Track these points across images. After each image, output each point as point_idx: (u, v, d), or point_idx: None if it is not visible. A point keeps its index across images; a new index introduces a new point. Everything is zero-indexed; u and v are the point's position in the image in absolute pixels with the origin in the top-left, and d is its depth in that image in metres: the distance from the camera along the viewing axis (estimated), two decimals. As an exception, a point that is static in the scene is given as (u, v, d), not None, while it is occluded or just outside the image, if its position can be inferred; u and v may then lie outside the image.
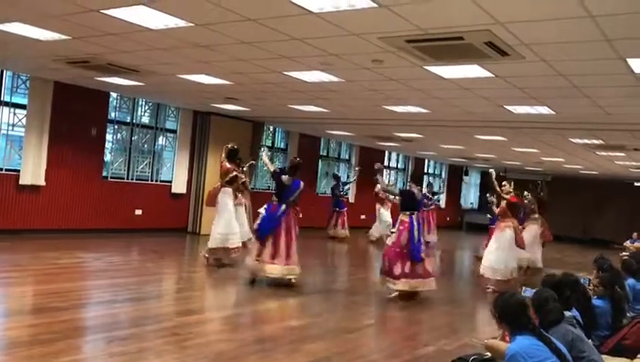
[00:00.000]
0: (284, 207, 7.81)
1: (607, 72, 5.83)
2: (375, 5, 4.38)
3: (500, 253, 9.09)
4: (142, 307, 6.24)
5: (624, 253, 12.73)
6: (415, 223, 7.67)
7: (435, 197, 17.18)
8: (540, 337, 2.99)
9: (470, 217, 24.67)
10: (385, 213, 15.22)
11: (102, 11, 5.31)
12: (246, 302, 7.22)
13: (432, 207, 16.03)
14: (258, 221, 7.97)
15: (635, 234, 17.37)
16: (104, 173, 11.79)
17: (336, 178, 15.94)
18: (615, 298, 4.72)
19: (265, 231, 7.76)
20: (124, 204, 11.93)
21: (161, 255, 9.84)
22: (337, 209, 15.34)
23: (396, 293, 7.75)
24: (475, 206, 26.40)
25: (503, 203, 9.39)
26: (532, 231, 11.06)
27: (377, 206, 15.38)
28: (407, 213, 7.78)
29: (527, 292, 4.22)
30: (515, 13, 4.32)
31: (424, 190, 9.61)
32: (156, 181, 12.82)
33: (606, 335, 4.49)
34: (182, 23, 5.47)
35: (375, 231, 15.34)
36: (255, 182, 14.93)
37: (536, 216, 11.36)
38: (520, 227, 10.05)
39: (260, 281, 7.91)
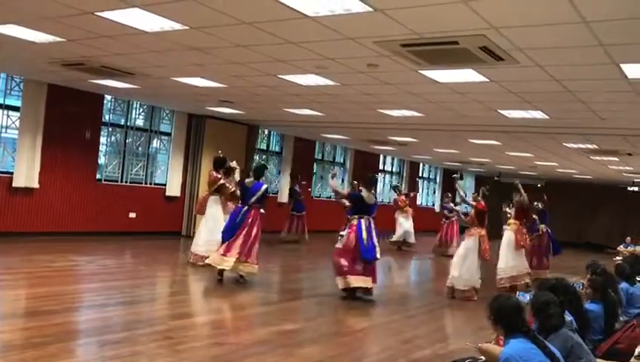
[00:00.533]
0: (245, 208, 8.08)
1: (601, 77, 5.87)
2: (370, 9, 4.39)
3: (463, 262, 8.72)
4: (135, 310, 6.21)
5: (618, 258, 12.78)
6: (363, 226, 7.64)
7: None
8: (534, 340, 2.99)
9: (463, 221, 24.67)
10: (404, 222, 15.05)
11: (96, 14, 5.30)
12: (240, 305, 7.20)
13: (454, 218, 15.03)
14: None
15: (628, 239, 17.47)
16: (98, 176, 11.76)
17: (295, 178, 14.92)
18: (608, 301, 4.73)
19: (228, 233, 8.04)
20: (118, 206, 11.89)
21: (154, 258, 9.80)
22: (295, 212, 14.16)
23: (352, 292, 7.75)
24: (469, 210, 26.39)
25: (472, 210, 9.06)
26: (506, 238, 9.87)
27: (396, 214, 15.18)
28: (357, 216, 7.77)
29: (522, 297, 4.22)
30: (510, 18, 4.34)
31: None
32: (150, 184, 12.79)
33: (599, 339, 4.49)
34: (177, 26, 5.47)
35: (395, 238, 15.13)
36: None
37: (512, 221, 10.11)
38: (526, 235, 9.88)
39: (252, 284, 7.89)
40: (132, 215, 12.19)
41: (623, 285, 5.95)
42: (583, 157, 13.50)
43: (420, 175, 23.52)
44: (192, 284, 8.33)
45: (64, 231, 10.82)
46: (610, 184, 21.91)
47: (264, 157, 16.15)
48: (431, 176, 24.55)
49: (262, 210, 8.26)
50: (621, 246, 17.24)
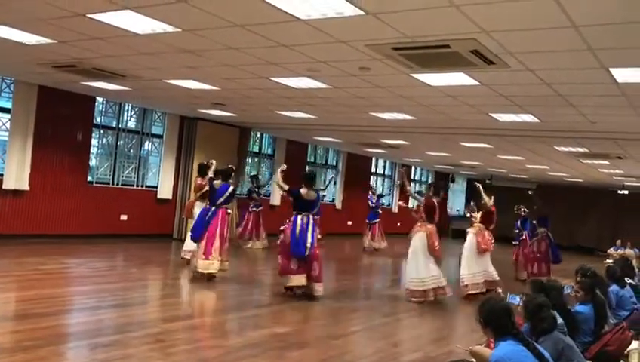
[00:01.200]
0: (213, 209, 8.45)
1: (591, 81, 5.91)
2: (362, 13, 4.41)
3: (411, 260, 8.57)
4: (126, 313, 6.18)
5: (608, 260, 12.86)
6: (299, 222, 7.71)
7: (381, 199, 16.04)
8: (523, 343, 3.00)
9: (457, 224, 24.77)
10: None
11: (88, 15, 5.29)
12: (231, 308, 7.19)
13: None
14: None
15: (618, 242, 17.56)
16: (89, 178, 11.71)
17: (254, 178, 13.95)
18: (597, 303, 4.76)
19: (197, 232, 8.42)
20: (110, 209, 11.85)
21: (145, 260, 9.77)
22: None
23: (294, 290, 7.82)
24: (462, 213, 26.52)
25: (421, 206, 8.83)
26: (468, 242, 9.55)
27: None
28: (295, 213, 7.88)
29: (512, 299, 4.24)
30: (501, 22, 4.36)
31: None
32: (142, 186, 12.75)
33: (589, 341, 4.52)
34: (169, 28, 5.46)
35: None
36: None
37: (476, 224, 9.73)
38: (490, 239, 9.60)
39: (243, 287, 7.88)
40: (123, 217, 12.15)
41: (613, 287, 6.00)
42: (574, 161, 13.58)
43: (412, 178, 23.58)
44: (184, 287, 8.31)
45: (55, 234, 10.75)
46: (600, 187, 22.06)
47: (256, 159, 16.15)
48: (423, 179, 24.60)
49: (229, 211, 8.77)
50: (611, 249, 17.33)
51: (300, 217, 7.75)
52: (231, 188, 8.57)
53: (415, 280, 8.42)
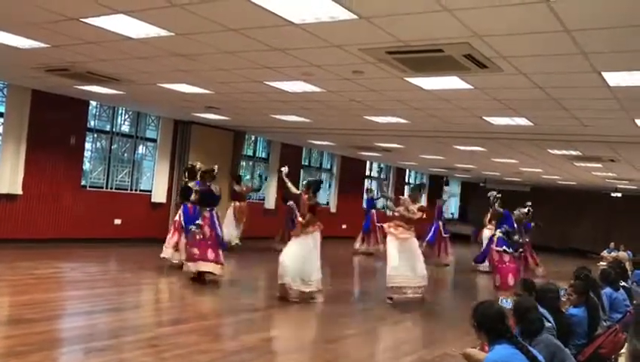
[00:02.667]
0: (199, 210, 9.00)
1: (584, 84, 5.95)
2: (355, 17, 4.42)
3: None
4: (120, 318, 6.17)
5: (602, 263, 12.92)
6: (215, 217, 8.68)
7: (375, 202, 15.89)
8: (517, 346, 3.02)
9: (450, 227, 24.81)
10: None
11: (82, 20, 5.28)
12: (225, 312, 7.18)
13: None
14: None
15: (612, 244, 17.66)
16: (83, 182, 11.67)
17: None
18: (589, 305, 4.78)
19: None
20: (104, 213, 11.80)
21: (140, 265, 9.74)
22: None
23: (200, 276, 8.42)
24: (456, 216, 26.59)
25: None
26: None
27: None
28: (207, 208, 8.65)
29: (505, 303, 4.26)
30: (494, 26, 4.39)
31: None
32: (136, 190, 12.71)
33: (583, 344, 4.54)
34: (163, 32, 5.46)
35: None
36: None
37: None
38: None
39: (241, 290, 7.87)
40: (117, 221, 12.10)
41: (607, 290, 6.02)
42: (567, 164, 13.64)
43: (407, 181, 23.63)
44: (178, 291, 8.28)
45: (48, 238, 10.70)
46: (594, 190, 22.16)
47: (250, 163, 16.14)
48: (417, 182, 24.63)
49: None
50: (605, 251, 17.42)
51: (214, 213, 8.68)
52: (214, 190, 8.81)
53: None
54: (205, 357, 5.10)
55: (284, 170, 8.47)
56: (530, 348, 3.06)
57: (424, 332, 7.16)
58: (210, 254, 8.45)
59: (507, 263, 9.05)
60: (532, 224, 13.21)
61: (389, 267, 8.47)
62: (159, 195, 12.89)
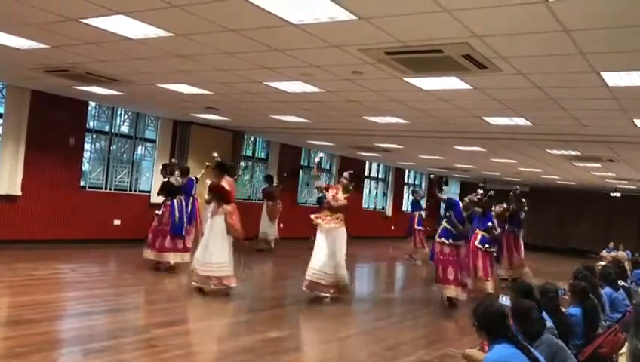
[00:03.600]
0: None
1: (582, 85, 5.95)
2: (355, 17, 4.43)
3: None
4: (119, 319, 6.17)
5: (601, 263, 12.92)
6: (176, 206, 9.45)
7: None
8: (517, 345, 3.02)
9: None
10: None
11: (81, 20, 5.28)
12: (224, 313, 7.17)
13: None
14: None
15: (611, 244, 17.67)
16: (82, 183, 11.66)
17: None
18: (586, 306, 4.77)
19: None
20: (103, 214, 11.80)
21: (138, 266, 9.73)
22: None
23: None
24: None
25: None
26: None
27: None
28: (170, 198, 9.52)
29: (506, 301, 4.25)
30: (493, 27, 4.39)
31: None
32: (135, 191, 12.70)
33: (582, 344, 4.54)
34: (162, 33, 5.46)
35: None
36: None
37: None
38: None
39: (239, 292, 7.87)
40: (116, 222, 12.10)
41: (607, 290, 6.03)
42: (567, 164, 13.65)
43: (406, 181, 23.64)
44: (177, 292, 8.27)
45: (47, 239, 10.70)
46: (593, 190, 22.17)
47: (250, 163, 16.13)
48: (416, 182, 24.66)
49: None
50: (604, 251, 17.43)
51: (175, 201, 9.53)
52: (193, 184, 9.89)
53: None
54: (205, 357, 5.10)
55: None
56: (531, 349, 3.06)
57: (424, 332, 7.16)
58: (169, 243, 9.27)
59: (447, 255, 8.51)
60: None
61: (312, 258, 8.08)
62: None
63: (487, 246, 9.63)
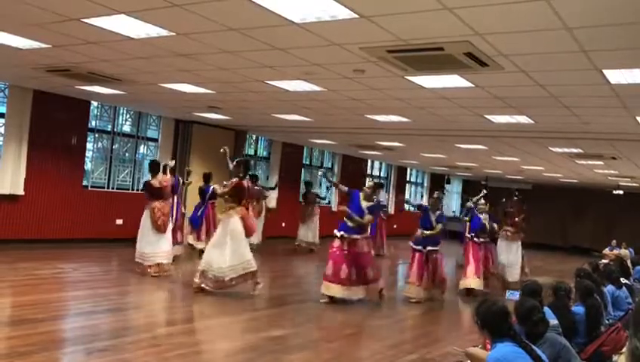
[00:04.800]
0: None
1: (584, 82, 5.94)
2: (356, 16, 4.42)
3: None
4: (122, 318, 6.18)
5: (603, 261, 12.89)
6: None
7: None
8: (520, 344, 3.01)
9: (452, 225, 24.80)
10: None
11: (83, 20, 5.28)
12: (227, 312, 7.17)
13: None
14: None
15: (614, 242, 17.61)
16: (84, 182, 11.68)
17: (206, 177, 12.25)
18: (589, 305, 4.77)
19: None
20: (105, 213, 11.81)
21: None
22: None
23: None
24: (457, 214, 26.59)
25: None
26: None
27: None
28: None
29: (512, 296, 4.22)
30: (494, 24, 4.38)
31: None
32: (137, 190, 12.69)
33: (584, 342, 4.54)
34: (164, 32, 5.46)
35: None
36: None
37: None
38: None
39: (239, 291, 7.87)
40: (119, 221, 12.10)
41: (609, 288, 6.02)
42: (569, 162, 13.63)
43: (408, 179, 23.63)
44: (180, 291, 8.28)
45: (50, 239, 10.72)
46: (595, 187, 22.13)
47: (252, 162, 16.11)
48: (418, 181, 24.66)
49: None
50: (606, 249, 17.38)
51: None
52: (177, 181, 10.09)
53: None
54: (207, 356, 5.11)
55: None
56: (534, 347, 3.06)
57: (426, 330, 7.16)
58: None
59: (334, 249, 8.16)
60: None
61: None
62: (161, 195, 12.86)
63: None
